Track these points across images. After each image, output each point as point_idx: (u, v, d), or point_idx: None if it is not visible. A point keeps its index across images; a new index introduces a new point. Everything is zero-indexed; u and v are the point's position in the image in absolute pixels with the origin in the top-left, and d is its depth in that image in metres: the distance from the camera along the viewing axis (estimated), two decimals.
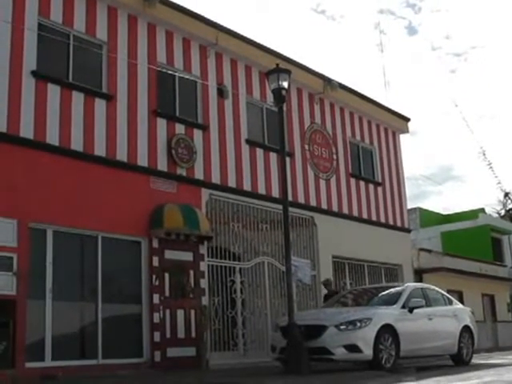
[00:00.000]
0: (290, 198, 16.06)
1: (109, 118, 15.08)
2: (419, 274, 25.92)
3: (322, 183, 21.16)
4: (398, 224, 24.68)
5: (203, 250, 16.49)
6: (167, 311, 15.26)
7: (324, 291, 18.67)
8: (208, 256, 16.71)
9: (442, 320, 15.45)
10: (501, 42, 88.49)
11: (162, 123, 16.28)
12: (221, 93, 18.07)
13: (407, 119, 26.34)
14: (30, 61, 13.74)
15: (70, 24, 14.83)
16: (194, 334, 15.62)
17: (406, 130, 26.41)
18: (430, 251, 29.09)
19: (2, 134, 12.92)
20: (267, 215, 18.71)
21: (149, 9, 16.21)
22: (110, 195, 14.52)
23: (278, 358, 13.96)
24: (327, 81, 21.77)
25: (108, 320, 14.15)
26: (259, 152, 18.96)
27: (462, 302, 21.91)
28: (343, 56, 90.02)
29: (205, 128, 17.35)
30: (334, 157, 21.94)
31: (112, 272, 14.60)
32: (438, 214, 42.77)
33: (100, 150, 14.73)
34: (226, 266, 17.37)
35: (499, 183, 53.09)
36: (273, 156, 19.07)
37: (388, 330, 13.29)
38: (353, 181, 22.59)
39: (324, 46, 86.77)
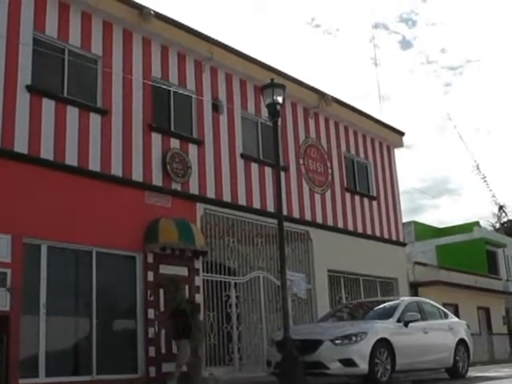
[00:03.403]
0: (285, 213, 16.12)
1: (104, 133, 15.08)
2: (415, 288, 25.89)
3: (317, 197, 21.16)
4: (394, 238, 24.67)
5: (198, 264, 16.46)
6: (162, 326, 15.20)
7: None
8: (203, 271, 16.68)
9: (438, 333, 15.43)
10: (496, 56, 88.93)
11: (157, 138, 16.29)
12: (216, 108, 18.09)
13: (402, 133, 26.39)
14: (24, 75, 13.75)
15: (65, 39, 14.86)
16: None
17: (400, 144, 26.44)
18: (425, 265, 29.11)
19: None
20: (262, 230, 18.70)
21: (144, 23, 16.25)
22: (104, 210, 14.49)
23: (274, 373, 13.91)
24: (322, 95, 21.82)
25: (102, 335, 14.08)
26: (254, 166, 18.96)
27: (457, 315, 21.90)
28: (338, 70, 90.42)
29: (200, 143, 17.36)
30: (329, 171, 21.95)
31: (106, 287, 14.54)
32: (432, 227, 42.84)
33: (95, 164, 14.72)
34: (221, 281, 17.33)
35: (494, 197, 53.21)
36: (268, 170, 19.07)
37: (383, 344, 13.27)
38: (348, 195, 22.60)
39: (319, 59, 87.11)
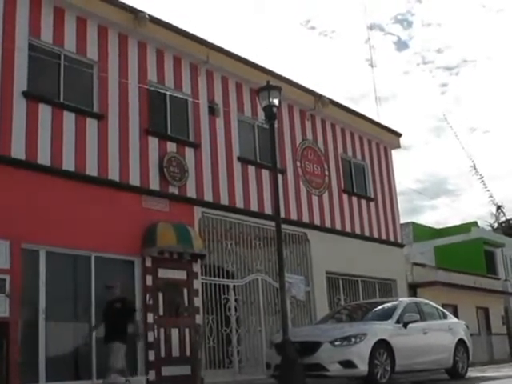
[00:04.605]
0: (282, 215, 16.11)
1: (100, 138, 15.09)
2: (413, 289, 25.89)
3: (315, 199, 21.17)
4: (392, 239, 24.67)
5: (197, 268, 16.45)
6: (161, 330, 15.20)
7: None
8: (202, 274, 16.68)
9: (437, 334, 15.42)
10: (493, 55, 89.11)
11: (153, 142, 16.29)
12: (212, 111, 18.09)
13: (399, 134, 26.41)
14: (20, 81, 13.75)
15: (61, 44, 14.87)
16: (188, 353, 15.56)
17: (397, 145, 26.46)
18: (423, 265, 29.10)
19: None
20: (260, 232, 18.71)
21: (139, 27, 16.26)
22: (102, 215, 14.49)
23: (273, 375, 13.89)
24: (318, 97, 21.83)
25: (102, 340, 14.02)
26: (251, 169, 18.97)
27: (456, 315, 21.90)
28: (334, 71, 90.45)
29: (196, 146, 17.36)
30: (326, 173, 21.97)
31: (105, 292, 14.51)
32: (430, 228, 42.83)
33: (92, 169, 14.72)
34: (219, 284, 17.34)
35: (491, 196, 53.08)
36: (265, 173, 19.07)
37: (383, 345, 13.25)
38: (345, 196, 22.60)
39: (315, 61, 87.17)
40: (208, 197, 17.32)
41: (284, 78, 20.14)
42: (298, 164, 20.84)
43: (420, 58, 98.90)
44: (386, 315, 14.49)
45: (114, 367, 12.23)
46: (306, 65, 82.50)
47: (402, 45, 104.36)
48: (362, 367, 12.82)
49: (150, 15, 16.41)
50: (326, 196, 21.68)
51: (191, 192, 16.88)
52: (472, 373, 17.20)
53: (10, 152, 13.23)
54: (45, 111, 14.13)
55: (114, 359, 12.23)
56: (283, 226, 14.73)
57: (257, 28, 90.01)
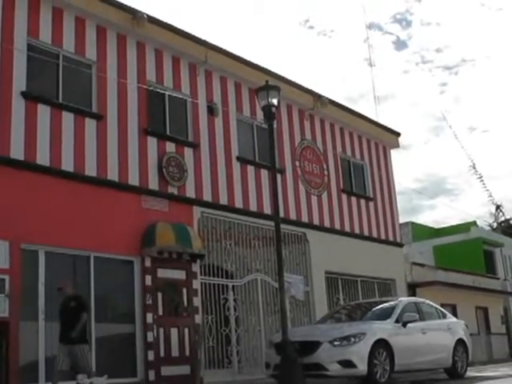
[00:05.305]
0: (281, 215, 16.08)
1: (99, 138, 15.08)
2: (412, 289, 25.88)
3: (314, 199, 21.17)
4: (391, 238, 24.67)
5: (196, 268, 16.45)
6: (161, 330, 15.20)
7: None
8: (201, 274, 16.68)
9: (436, 334, 15.41)
10: (492, 55, 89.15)
11: (152, 142, 16.29)
12: (211, 110, 18.09)
13: (397, 134, 26.40)
14: (19, 81, 13.75)
15: (60, 44, 14.86)
16: (187, 353, 15.56)
17: (396, 145, 26.46)
18: (423, 265, 29.08)
19: None
20: (259, 232, 18.70)
21: (138, 28, 16.25)
22: (101, 215, 14.49)
23: (273, 375, 13.89)
24: (317, 97, 21.83)
25: (101, 340, 14.06)
26: (250, 169, 18.97)
27: (455, 315, 21.90)
28: (333, 71, 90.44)
29: (195, 146, 17.36)
30: (325, 173, 21.96)
31: (105, 292, 14.55)
32: (430, 227, 42.83)
33: (91, 169, 14.72)
34: (219, 284, 17.35)
35: (490, 196, 52.92)
36: (264, 173, 19.07)
37: (382, 345, 13.24)
38: (344, 196, 22.60)
39: (314, 61, 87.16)
40: (207, 197, 17.32)
41: (283, 77, 20.13)
42: (297, 164, 20.84)
43: (419, 58, 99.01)
44: (385, 315, 14.48)
45: (86, 370, 11.79)
46: (304, 64, 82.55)
47: (400, 44, 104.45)
48: (362, 367, 12.82)
49: (148, 15, 16.40)
50: (325, 196, 21.68)
51: (190, 192, 16.88)
52: (471, 372, 17.19)
53: (8, 152, 13.23)
54: (44, 111, 14.13)
55: (85, 363, 11.78)
56: (282, 225, 14.72)
57: (256, 28, 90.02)
